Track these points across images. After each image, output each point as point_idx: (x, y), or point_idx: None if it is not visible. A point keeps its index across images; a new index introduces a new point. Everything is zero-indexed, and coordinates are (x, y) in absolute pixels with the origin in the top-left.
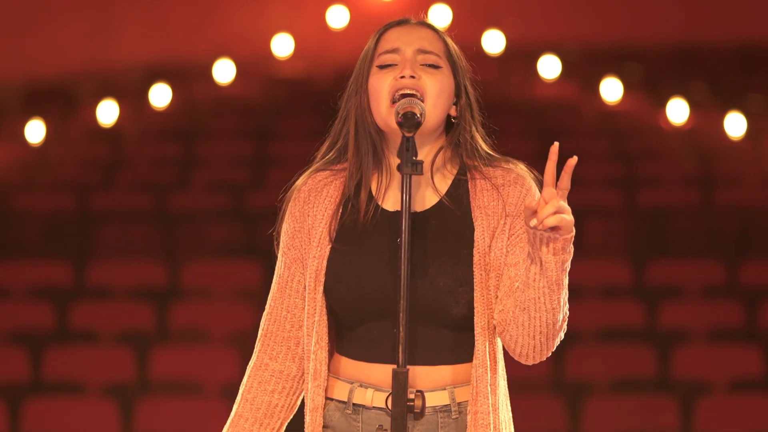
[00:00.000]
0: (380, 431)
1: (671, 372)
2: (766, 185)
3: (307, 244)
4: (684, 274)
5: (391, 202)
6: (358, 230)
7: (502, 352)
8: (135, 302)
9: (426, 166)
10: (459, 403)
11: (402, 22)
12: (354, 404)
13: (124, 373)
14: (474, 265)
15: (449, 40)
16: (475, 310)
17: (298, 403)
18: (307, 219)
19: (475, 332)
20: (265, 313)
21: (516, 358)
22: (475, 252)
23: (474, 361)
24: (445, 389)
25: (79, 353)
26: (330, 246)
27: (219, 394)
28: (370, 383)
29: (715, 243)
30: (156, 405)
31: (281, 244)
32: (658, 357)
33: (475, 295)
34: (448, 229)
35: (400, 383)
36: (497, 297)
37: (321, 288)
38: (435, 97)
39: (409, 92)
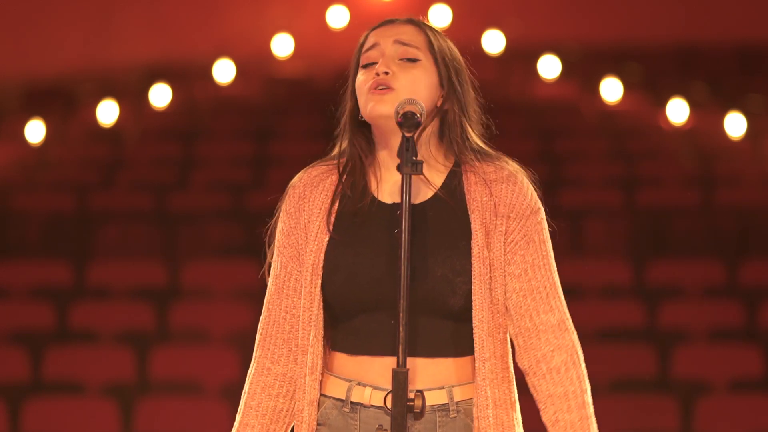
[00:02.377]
0: (380, 431)
1: (671, 372)
2: (766, 185)
3: (303, 239)
4: (684, 274)
5: (386, 194)
6: (355, 222)
7: (511, 347)
8: (135, 302)
9: None
10: (457, 402)
11: (387, 22)
12: (352, 402)
13: (124, 373)
14: (473, 257)
15: (434, 35)
16: (473, 302)
17: None
18: (304, 214)
19: (474, 324)
20: (262, 317)
21: None
22: (473, 244)
23: (474, 354)
24: (443, 388)
25: (79, 353)
26: (327, 237)
27: (219, 394)
28: (368, 381)
29: (715, 243)
30: (156, 405)
31: (277, 243)
32: (658, 357)
33: (473, 287)
34: (445, 221)
35: (400, 383)
36: (508, 311)
37: (318, 281)
38: (408, 91)
39: (381, 87)
